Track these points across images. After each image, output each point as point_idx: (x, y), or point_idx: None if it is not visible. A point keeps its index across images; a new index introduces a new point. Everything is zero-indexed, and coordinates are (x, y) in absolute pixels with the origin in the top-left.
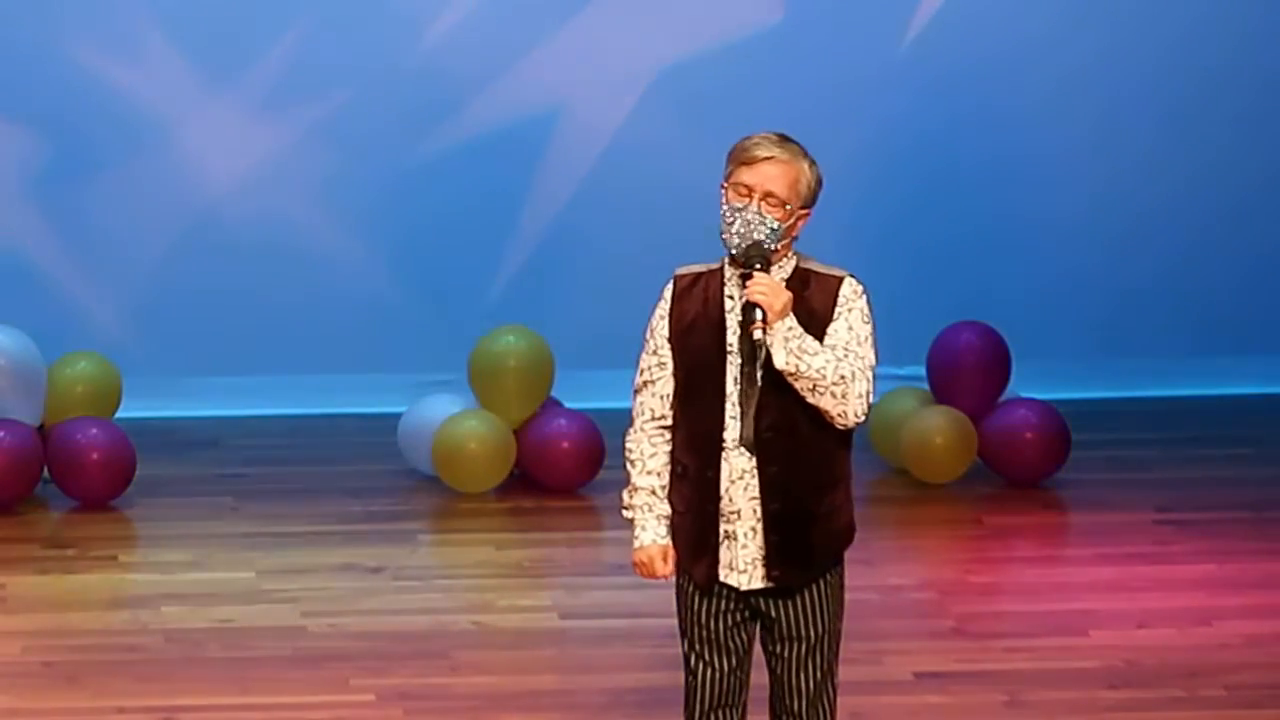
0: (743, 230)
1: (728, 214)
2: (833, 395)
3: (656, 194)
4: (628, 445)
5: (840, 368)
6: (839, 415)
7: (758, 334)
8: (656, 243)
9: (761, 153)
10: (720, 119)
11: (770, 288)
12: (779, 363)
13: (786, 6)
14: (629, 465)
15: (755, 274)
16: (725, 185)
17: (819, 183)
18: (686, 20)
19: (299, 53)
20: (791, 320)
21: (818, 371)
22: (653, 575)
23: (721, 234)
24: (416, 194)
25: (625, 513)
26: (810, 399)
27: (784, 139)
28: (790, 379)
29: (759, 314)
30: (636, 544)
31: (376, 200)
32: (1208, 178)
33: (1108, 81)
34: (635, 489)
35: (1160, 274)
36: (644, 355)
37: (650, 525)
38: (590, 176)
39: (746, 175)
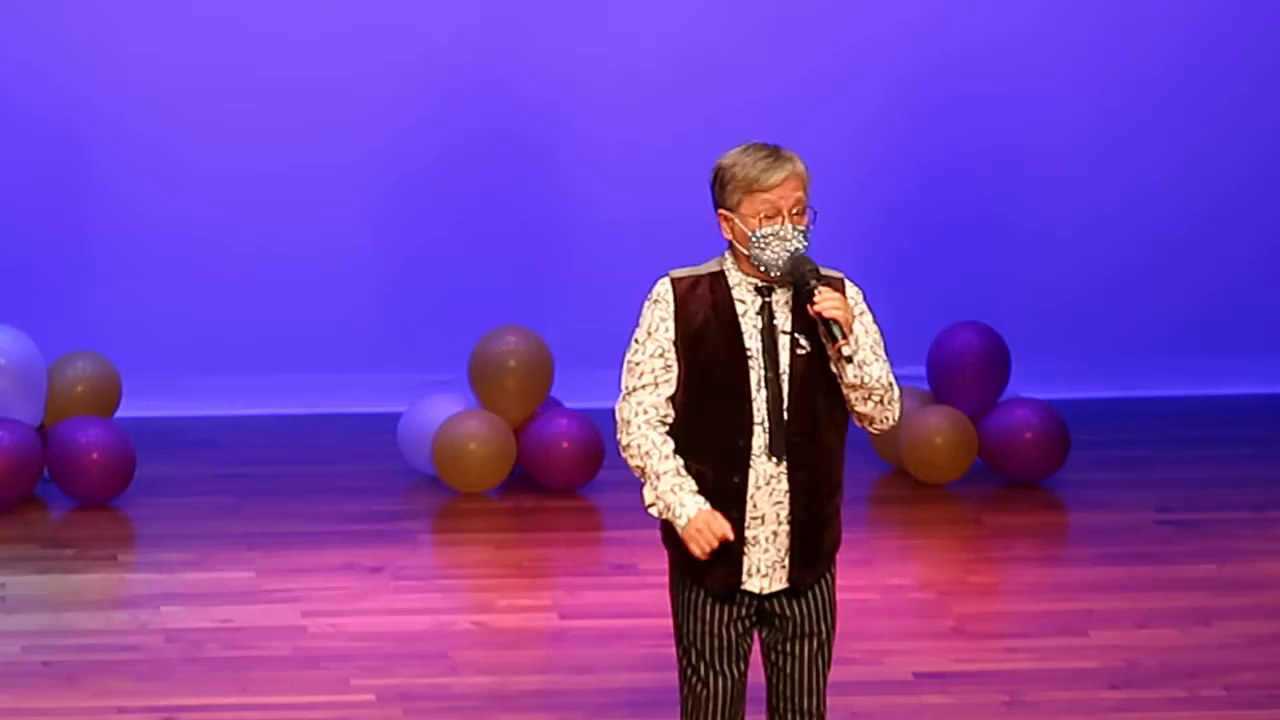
0: (783, 250)
1: (762, 239)
2: (882, 403)
3: (656, 194)
4: (632, 444)
5: (888, 374)
6: (881, 420)
7: (847, 349)
8: (656, 242)
9: (775, 176)
10: (720, 119)
11: (841, 301)
12: (849, 376)
13: (786, 5)
14: (642, 459)
15: (820, 290)
16: (730, 212)
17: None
18: (686, 20)
19: (299, 53)
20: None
21: (876, 380)
22: (714, 536)
23: (755, 260)
24: (416, 194)
25: (652, 509)
26: (861, 408)
27: (775, 150)
28: (849, 390)
29: (838, 330)
30: (683, 520)
31: (376, 200)
32: (1209, 177)
33: (1109, 81)
34: (659, 475)
35: (1160, 274)
36: (643, 358)
37: (689, 500)
38: (590, 176)
39: (768, 197)
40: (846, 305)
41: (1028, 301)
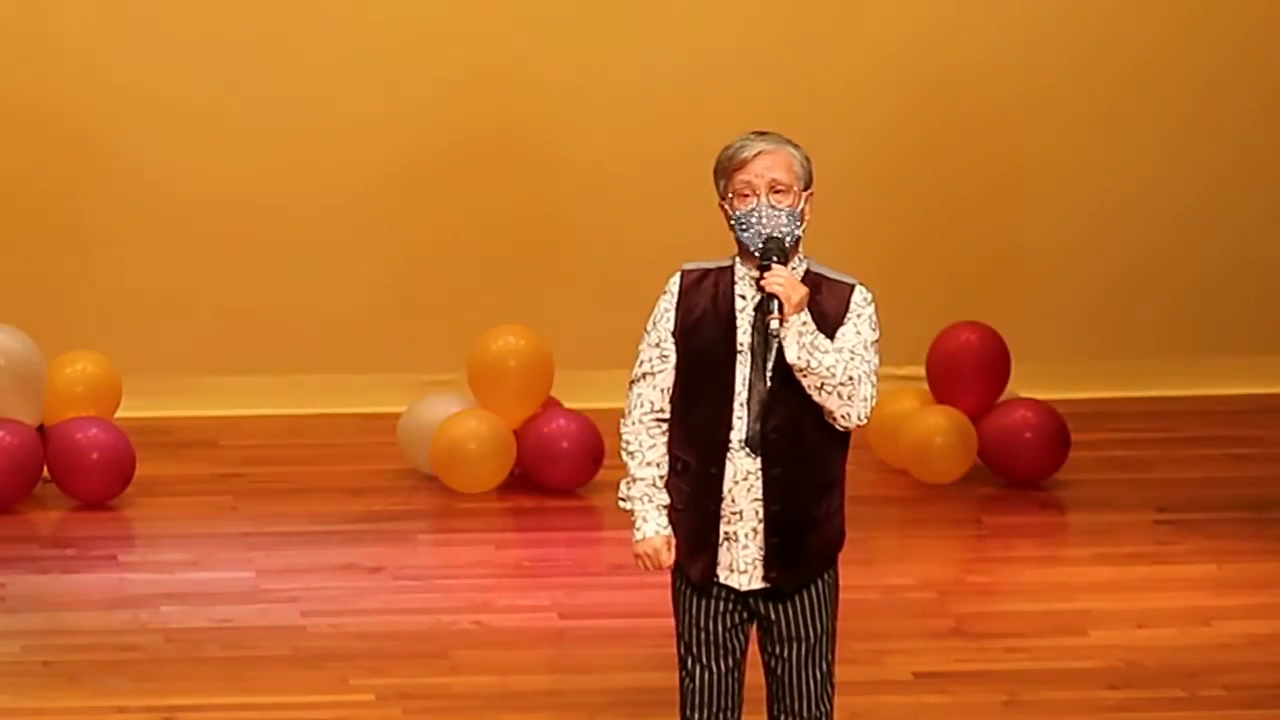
0: (760, 228)
1: (743, 219)
2: (839, 395)
3: (656, 194)
4: (625, 437)
5: (849, 369)
6: (842, 416)
7: (774, 324)
8: (657, 243)
9: (749, 152)
10: (720, 120)
11: (788, 280)
12: (790, 357)
13: (787, 7)
14: (627, 457)
15: (773, 266)
16: (725, 200)
17: (809, 160)
18: (686, 21)
19: (298, 52)
20: (806, 316)
21: (828, 370)
22: (658, 566)
23: (740, 240)
24: (416, 194)
25: (623, 504)
26: (817, 397)
27: (761, 132)
28: (799, 374)
29: (775, 305)
30: (639, 535)
31: (376, 200)
32: (1210, 177)
33: (1109, 82)
34: (634, 480)
35: (1161, 274)
36: (645, 347)
37: (651, 516)
38: (590, 177)
39: (744, 177)
40: (795, 286)
41: (1028, 301)
